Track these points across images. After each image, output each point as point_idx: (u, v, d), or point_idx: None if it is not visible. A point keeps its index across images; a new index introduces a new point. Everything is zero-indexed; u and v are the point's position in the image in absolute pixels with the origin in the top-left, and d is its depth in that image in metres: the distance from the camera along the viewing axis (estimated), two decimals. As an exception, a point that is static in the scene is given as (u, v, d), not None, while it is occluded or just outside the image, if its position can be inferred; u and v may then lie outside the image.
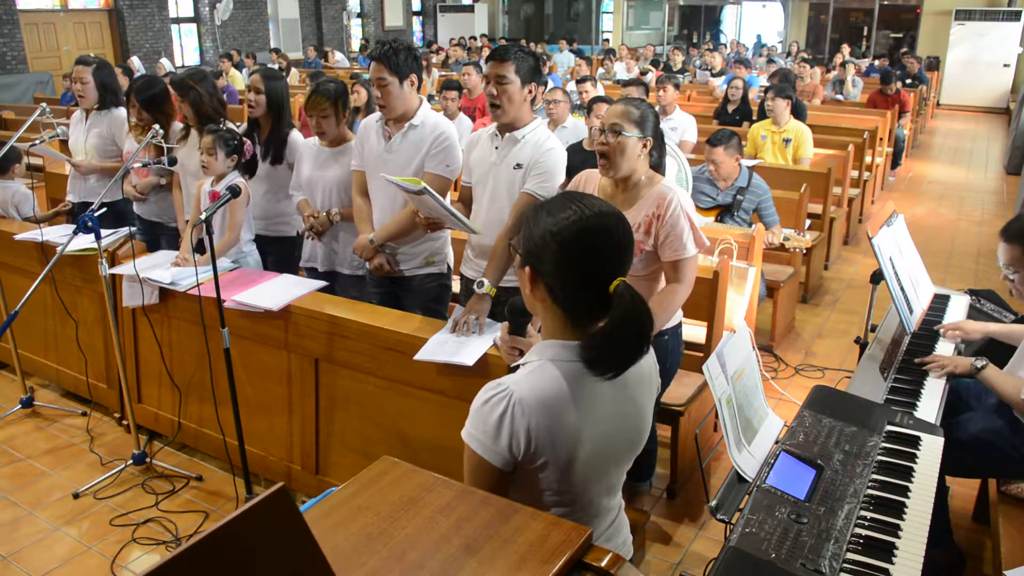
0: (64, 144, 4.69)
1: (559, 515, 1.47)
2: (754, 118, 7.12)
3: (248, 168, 3.57)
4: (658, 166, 2.60)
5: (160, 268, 3.33)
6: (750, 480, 1.95)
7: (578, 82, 6.39)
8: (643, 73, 10.78)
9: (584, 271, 1.40)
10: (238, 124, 3.93)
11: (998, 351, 2.74)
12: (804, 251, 4.83)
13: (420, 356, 2.59)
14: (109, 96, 4.34)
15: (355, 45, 18.50)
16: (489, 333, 2.67)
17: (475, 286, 2.72)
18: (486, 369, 2.52)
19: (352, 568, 1.26)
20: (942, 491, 2.63)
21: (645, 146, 2.50)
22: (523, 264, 1.47)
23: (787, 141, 5.89)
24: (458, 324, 2.69)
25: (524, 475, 1.46)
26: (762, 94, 7.62)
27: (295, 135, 3.67)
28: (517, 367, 1.52)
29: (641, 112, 2.49)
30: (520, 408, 1.39)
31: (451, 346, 2.61)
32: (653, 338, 2.52)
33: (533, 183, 2.74)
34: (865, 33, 18.52)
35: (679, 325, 2.81)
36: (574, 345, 1.43)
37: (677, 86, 6.31)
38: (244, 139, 3.50)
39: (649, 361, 1.60)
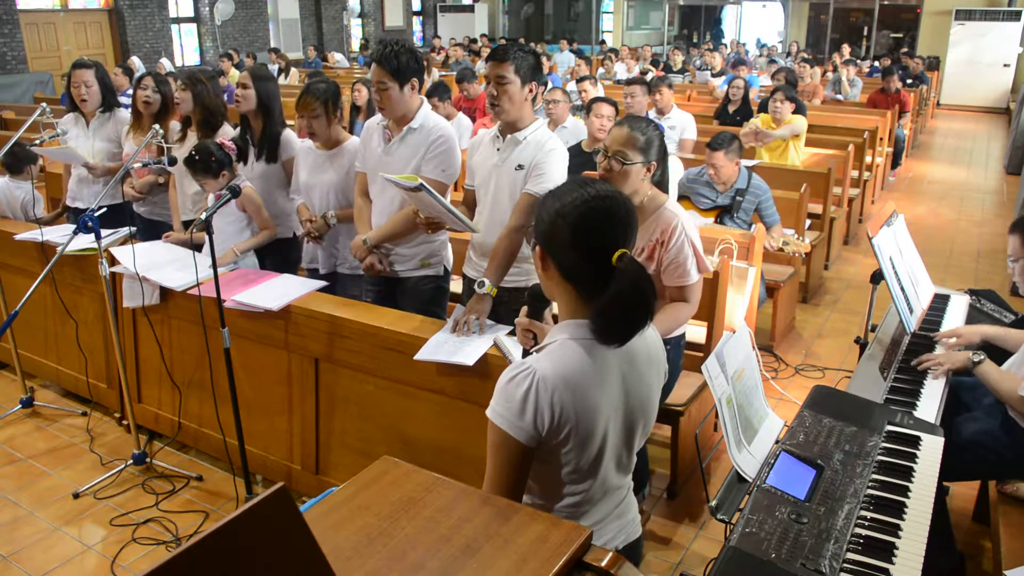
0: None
1: (576, 492, 1.57)
2: (755, 119, 7.13)
3: (239, 158, 3.56)
4: (660, 183, 2.59)
5: (158, 268, 3.33)
6: (750, 480, 1.95)
7: (578, 81, 6.38)
8: (643, 73, 10.78)
9: (589, 245, 1.49)
10: (236, 125, 3.92)
11: (998, 353, 2.73)
12: (803, 255, 4.83)
13: (420, 356, 2.59)
14: (110, 97, 4.31)
15: (355, 45, 18.49)
16: (489, 333, 2.67)
17: (475, 286, 2.72)
18: (486, 369, 2.52)
19: (352, 568, 1.26)
20: (941, 492, 2.63)
21: (648, 171, 2.50)
22: (535, 245, 1.58)
23: None
24: (458, 324, 2.69)
25: (547, 452, 1.53)
26: (762, 94, 7.63)
27: (288, 134, 3.64)
28: (529, 353, 1.60)
29: (647, 137, 2.46)
30: (544, 384, 1.47)
31: (451, 346, 2.61)
32: None
33: (534, 183, 2.73)
34: (865, 33, 18.51)
35: (683, 336, 2.82)
36: (588, 323, 1.51)
37: (670, 86, 6.30)
38: (222, 143, 3.49)
39: (656, 341, 1.68)
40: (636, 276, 1.45)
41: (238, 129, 3.74)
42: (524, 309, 1.83)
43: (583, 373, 1.50)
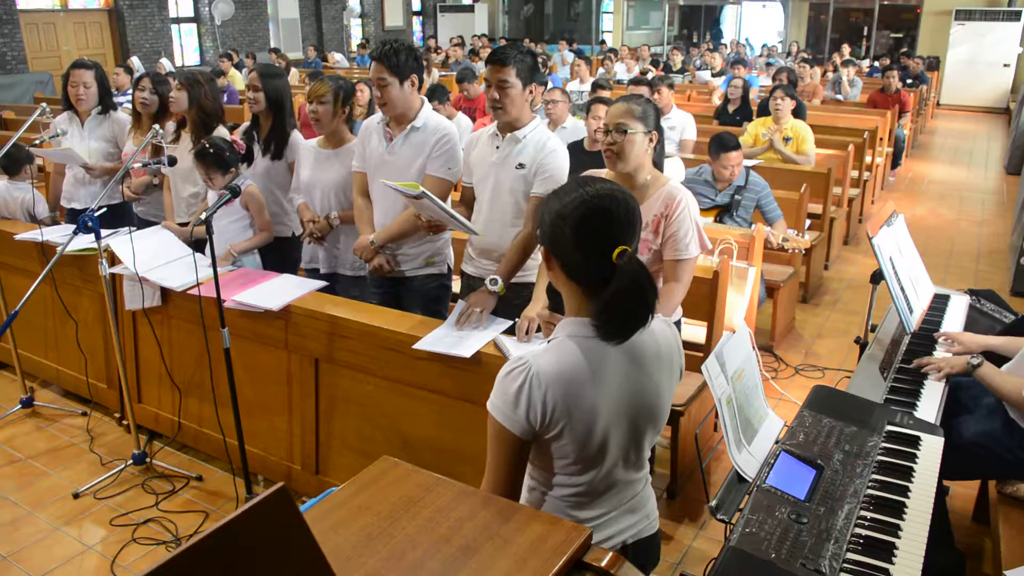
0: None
1: (578, 483, 1.59)
2: (754, 119, 7.13)
3: (243, 159, 3.57)
4: (657, 163, 2.63)
5: (158, 268, 3.32)
6: (750, 480, 1.95)
7: (593, 86, 6.35)
8: (643, 73, 10.78)
9: (588, 245, 1.51)
10: (232, 126, 3.91)
11: (998, 359, 2.73)
12: (803, 252, 4.84)
13: (420, 345, 2.61)
14: (107, 98, 4.30)
15: (355, 45, 18.49)
16: (490, 327, 2.67)
17: (488, 282, 2.73)
18: (486, 369, 2.52)
19: (352, 568, 1.26)
20: (940, 492, 2.63)
21: (651, 140, 2.54)
22: (540, 244, 1.61)
23: (787, 140, 5.91)
24: (461, 316, 2.70)
25: (543, 444, 1.55)
26: (763, 94, 7.62)
27: (296, 135, 3.66)
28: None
29: (643, 108, 2.53)
30: (537, 380, 1.49)
31: (451, 340, 2.62)
32: None
33: (540, 185, 2.75)
34: (865, 33, 18.51)
35: (679, 322, 2.83)
36: (589, 320, 1.53)
37: (671, 86, 6.32)
38: (234, 141, 3.49)
39: (668, 340, 1.67)
40: (636, 273, 1.46)
41: (236, 130, 3.74)
42: (545, 302, 1.86)
43: (578, 371, 1.51)
